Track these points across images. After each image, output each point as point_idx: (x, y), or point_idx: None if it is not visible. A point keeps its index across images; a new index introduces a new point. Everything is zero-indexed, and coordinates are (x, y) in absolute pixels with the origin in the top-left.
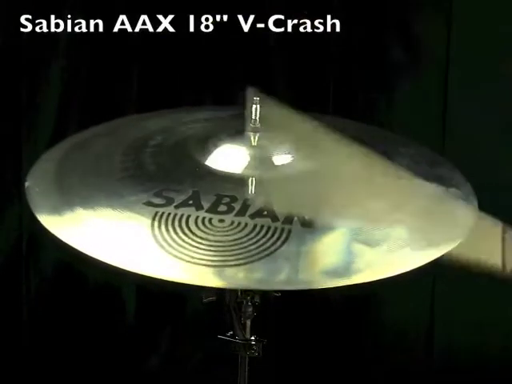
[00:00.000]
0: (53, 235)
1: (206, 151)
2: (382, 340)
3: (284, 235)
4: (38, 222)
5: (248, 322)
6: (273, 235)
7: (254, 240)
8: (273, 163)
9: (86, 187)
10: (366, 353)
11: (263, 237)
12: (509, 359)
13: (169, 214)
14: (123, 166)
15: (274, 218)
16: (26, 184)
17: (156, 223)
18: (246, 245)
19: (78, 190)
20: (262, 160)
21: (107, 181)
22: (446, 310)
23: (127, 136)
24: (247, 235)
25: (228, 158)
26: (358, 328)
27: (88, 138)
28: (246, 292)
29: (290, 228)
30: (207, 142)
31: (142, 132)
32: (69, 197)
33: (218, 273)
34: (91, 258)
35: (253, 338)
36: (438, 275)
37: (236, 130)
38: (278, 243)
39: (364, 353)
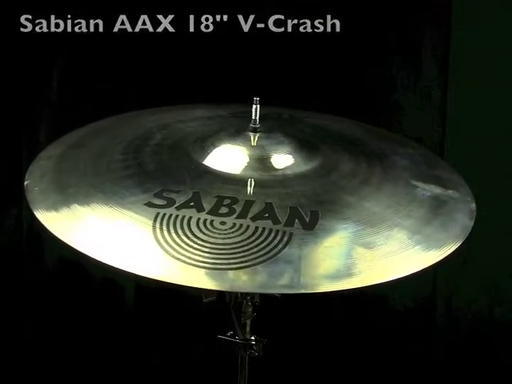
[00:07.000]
0: (52, 234)
1: (206, 151)
2: (381, 340)
3: (286, 238)
4: (38, 220)
5: (248, 322)
6: (274, 238)
7: (256, 243)
8: (272, 164)
9: (85, 186)
10: (366, 353)
11: (265, 239)
12: None
13: (170, 215)
14: (122, 164)
15: (276, 221)
16: (26, 182)
17: (158, 224)
18: (247, 247)
19: (77, 189)
20: (261, 161)
21: (107, 180)
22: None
23: (126, 134)
24: (249, 238)
25: (228, 158)
26: (357, 328)
27: (87, 136)
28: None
29: (291, 231)
30: (206, 142)
31: (141, 131)
32: (68, 195)
33: (219, 276)
34: (91, 258)
35: (253, 337)
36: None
37: (236, 130)
38: (280, 246)
39: (364, 353)
